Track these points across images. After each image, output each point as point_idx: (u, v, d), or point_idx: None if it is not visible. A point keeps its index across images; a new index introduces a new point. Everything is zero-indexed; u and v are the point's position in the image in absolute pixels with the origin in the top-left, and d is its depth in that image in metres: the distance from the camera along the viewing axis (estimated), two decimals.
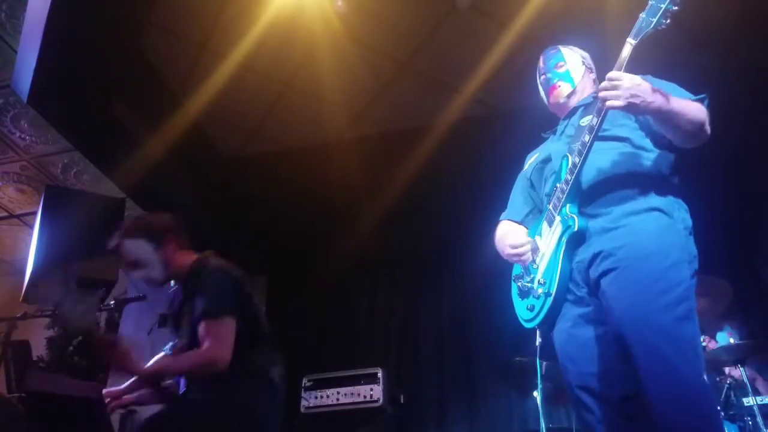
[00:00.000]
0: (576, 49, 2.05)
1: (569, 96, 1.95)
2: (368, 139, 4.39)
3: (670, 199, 1.68)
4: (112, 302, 3.38)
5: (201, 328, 1.87)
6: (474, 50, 3.59)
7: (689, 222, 1.69)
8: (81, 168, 4.89)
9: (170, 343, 2.10)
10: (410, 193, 4.52)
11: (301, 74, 3.85)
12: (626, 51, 1.57)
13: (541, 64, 2.05)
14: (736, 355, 2.98)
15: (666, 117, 1.61)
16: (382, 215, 4.69)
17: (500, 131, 3.77)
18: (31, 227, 4.73)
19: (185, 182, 4.43)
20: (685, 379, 1.43)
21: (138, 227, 2.11)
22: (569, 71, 1.97)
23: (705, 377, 1.56)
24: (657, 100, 1.54)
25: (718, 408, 2.77)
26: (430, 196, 4.64)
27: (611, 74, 1.55)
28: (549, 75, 1.99)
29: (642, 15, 1.55)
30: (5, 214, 5.55)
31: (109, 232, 3.92)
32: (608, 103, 1.55)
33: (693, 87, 1.74)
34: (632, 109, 1.57)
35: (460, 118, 4.12)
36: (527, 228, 1.92)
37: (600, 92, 1.57)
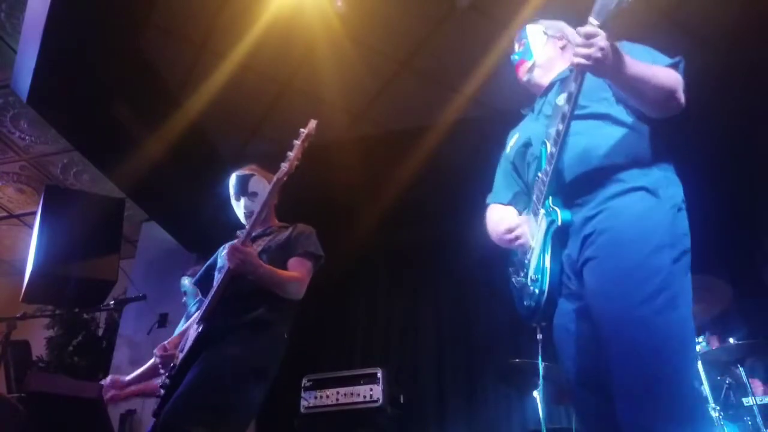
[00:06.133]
0: (543, 21, 1.96)
1: (531, 70, 1.87)
2: (368, 139, 4.39)
3: (657, 175, 1.58)
4: (112, 302, 3.39)
5: (295, 261, 2.30)
6: (474, 50, 3.59)
7: (679, 198, 1.58)
8: (81, 168, 4.90)
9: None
10: (410, 192, 4.52)
11: (301, 74, 3.85)
12: None
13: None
14: (736, 355, 2.98)
15: (628, 82, 1.51)
16: (382, 215, 4.69)
17: (500, 131, 3.76)
18: (31, 227, 4.73)
19: (185, 182, 4.43)
20: (664, 377, 1.35)
21: (267, 173, 2.45)
22: (529, 45, 1.90)
23: (695, 370, 1.48)
24: (618, 63, 1.45)
25: (707, 408, 2.73)
26: (430, 196, 4.64)
27: (586, 30, 1.42)
28: (513, 56, 1.94)
29: None
30: (5, 214, 5.56)
31: (108, 232, 3.95)
32: (577, 60, 1.45)
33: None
34: (597, 68, 1.45)
35: (460, 118, 4.12)
36: (518, 210, 1.85)
37: (574, 53, 1.46)
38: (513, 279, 1.79)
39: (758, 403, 2.81)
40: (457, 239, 4.74)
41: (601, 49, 1.40)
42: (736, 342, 3.01)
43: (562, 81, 1.71)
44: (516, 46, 1.95)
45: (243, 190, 2.44)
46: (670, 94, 1.54)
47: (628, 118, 1.64)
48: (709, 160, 3.72)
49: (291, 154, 2.17)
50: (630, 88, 1.55)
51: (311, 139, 2.21)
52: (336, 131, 4.27)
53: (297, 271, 2.28)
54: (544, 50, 1.88)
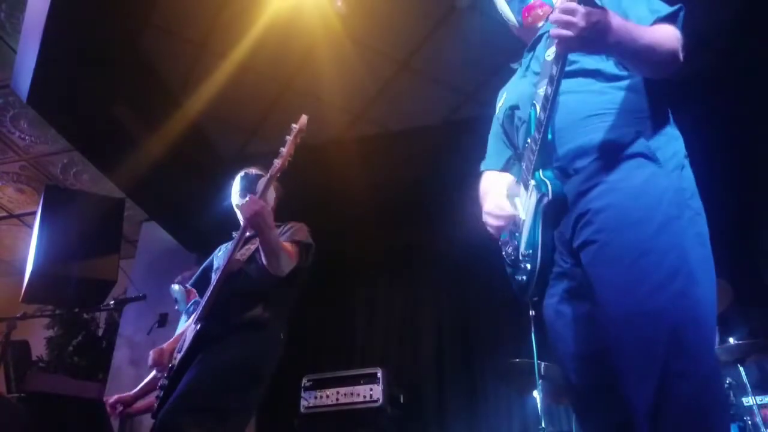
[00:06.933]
0: None
1: (548, 19, 1.61)
2: (368, 139, 4.39)
3: (656, 134, 1.43)
4: (112, 302, 3.39)
5: (288, 244, 2.31)
6: (474, 50, 3.60)
7: (681, 153, 1.44)
8: (81, 168, 4.90)
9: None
10: (410, 192, 4.52)
11: (301, 74, 3.85)
12: None
13: None
14: (736, 355, 2.98)
15: (622, 55, 1.40)
16: (381, 215, 4.69)
17: None
18: (31, 227, 4.73)
19: (185, 182, 4.43)
20: (683, 374, 1.20)
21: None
22: None
23: (716, 358, 1.31)
24: (609, 38, 1.29)
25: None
26: (429, 196, 4.64)
27: (564, 6, 1.27)
28: None
29: None
30: (5, 214, 5.56)
31: (108, 232, 3.95)
32: (555, 33, 1.30)
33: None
34: (579, 47, 1.33)
35: (460, 118, 4.12)
36: (512, 174, 1.73)
37: (551, 31, 1.31)
38: (504, 252, 1.66)
39: (758, 403, 2.82)
40: (457, 239, 4.74)
41: (582, 29, 1.25)
42: (736, 342, 3.01)
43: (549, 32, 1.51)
44: None
45: (251, 188, 2.46)
46: (669, 57, 1.39)
47: (620, 72, 1.51)
48: (710, 158, 3.71)
49: (283, 150, 2.19)
50: (625, 59, 1.44)
51: (303, 135, 2.22)
52: (336, 131, 4.28)
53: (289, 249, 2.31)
54: None
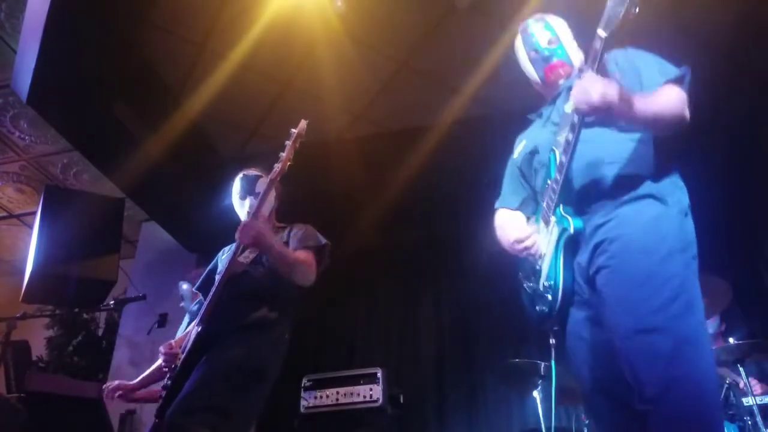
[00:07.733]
0: (556, 17, 1.90)
1: (569, 76, 1.81)
2: (368, 139, 4.39)
3: (665, 181, 1.61)
4: (112, 302, 3.39)
5: (298, 254, 2.26)
6: (474, 50, 3.59)
7: (685, 203, 1.61)
8: (81, 168, 4.91)
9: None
10: (410, 192, 4.52)
11: (301, 74, 3.85)
12: (598, 44, 1.46)
13: (527, 35, 1.89)
14: (736, 355, 2.98)
15: (638, 122, 1.57)
16: (381, 215, 4.68)
17: (499, 131, 3.76)
18: (31, 227, 4.73)
19: (185, 182, 4.43)
20: (683, 384, 1.35)
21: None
22: (564, 48, 1.84)
23: (715, 373, 1.46)
24: (631, 110, 1.49)
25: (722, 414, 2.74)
26: (430, 196, 4.64)
27: (579, 86, 1.48)
28: (546, 53, 1.83)
29: (609, 2, 1.43)
30: (5, 214, 5.56)
31: (108, 232, 3.95)
32: (578, 114, 1.52)
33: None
34: (600, 116, 1.53)
35: (460, 117, 4.12)
36: (526, 215, 1.87)
37: (573, 97, 1.51)
38: (524, 284, 1.80)
39: (758, 403, 2.81)
40: (457, 239, 4.74)
41: (594, 105, 1.44)
42: (736, 342, 3.01)
43: (568, 89, 1.68)
44: (539, 39, 1.85)
45: (250, 189, 2.47)
46: (675, 121, 1.56)
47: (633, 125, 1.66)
48: (710, 159, 3.72)
49: (283, 155, 2.21)
50: (633, 125, 1.60)
51: (302, 139, 2.24)
52: (336, 131, 4.28)
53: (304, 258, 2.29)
54: (577, 55, 1.84)
